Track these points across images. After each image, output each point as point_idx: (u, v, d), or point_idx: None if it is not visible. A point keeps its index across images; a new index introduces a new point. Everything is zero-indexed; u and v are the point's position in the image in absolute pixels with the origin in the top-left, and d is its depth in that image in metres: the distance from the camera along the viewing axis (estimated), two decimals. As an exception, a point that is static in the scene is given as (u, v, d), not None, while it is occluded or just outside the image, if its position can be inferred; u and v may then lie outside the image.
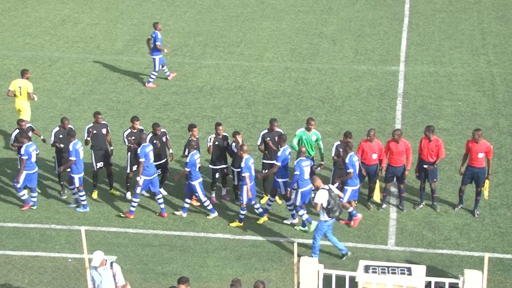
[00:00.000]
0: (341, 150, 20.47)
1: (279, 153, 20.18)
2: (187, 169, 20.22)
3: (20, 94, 23.98)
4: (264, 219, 20.50)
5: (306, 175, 19.78)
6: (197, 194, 20.43)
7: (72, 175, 20.78)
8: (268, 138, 21.00)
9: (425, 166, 20.83)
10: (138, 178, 20.40)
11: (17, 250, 19.51)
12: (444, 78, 28.83)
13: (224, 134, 21.18)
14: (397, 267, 17.14)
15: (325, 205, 18.30)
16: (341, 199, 19.38)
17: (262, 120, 25.91)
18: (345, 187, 20.06)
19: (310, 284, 16.22)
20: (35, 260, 19.04)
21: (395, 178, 21.00)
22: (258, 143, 21.21)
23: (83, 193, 21.03)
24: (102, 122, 21.71)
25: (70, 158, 20.60)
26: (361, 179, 21.06)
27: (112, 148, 21.87)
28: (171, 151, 21.77)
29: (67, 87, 28.34)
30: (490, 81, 28.55)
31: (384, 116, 26.15)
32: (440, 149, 20.67)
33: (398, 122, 25.71)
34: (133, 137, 21.16)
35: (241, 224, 20.39)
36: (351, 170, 19.88)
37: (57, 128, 21.53)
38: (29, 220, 20.77)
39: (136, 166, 21.19)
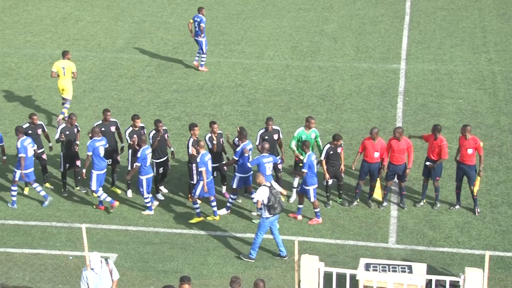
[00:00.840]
0: (331, 152, 20.66)
1: (237, 148, 20.39)
2: (138, 164, 20.34)
3: (64, 74, 25.01)
4: (213, 217, 20.58)
5: (268, 172, 19.90)
6: (141, 189, 20.56)
7: (15, 170, 20.89)
8: (266, 137, 21.03)
9: (427, 163, 20.87)
10: (83, 170, 20.87)
11: (18, 247, 19.52)
12: (445, 76, 28.82)
13: (219, 132, 21.22)
14: (398, 265, 17.14)
15: (265, 202, 18.42)
16: (309, 199, 19.95)
17: (262, 118, 25.88)
18: (307, 187, 20.18)
19: (311, 282, 16.22)
20: (36, 257, 19.06)
21: (396, 176, 21.00)
22: (257, 143, 21.21)
23: (16, 188, 21.08)
24: (111, 119, 21.76)
25: (20, 155, 20.62)
26: (363, 176, 21.09)
27: (123, 144, 21.91)
28: (172, 149, 21.79)
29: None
30: (491, 79, 28.54)
31: (385, 114, 26.14)
32: (443, 149, 20.67)
33: (399, 120, 25.71)
34: (134, 135, 21.19)
35: (201, 218, 20.46)
36: (305, 170, 20.03)
37: (64, 125, 21.59)
38: (30, 218, 20.78)
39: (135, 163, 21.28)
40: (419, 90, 27.73)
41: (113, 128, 21.64)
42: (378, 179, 21.00)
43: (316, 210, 20.43)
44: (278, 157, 21.09)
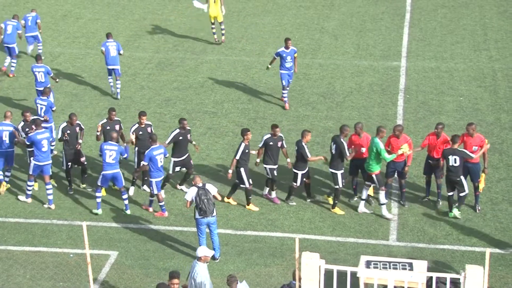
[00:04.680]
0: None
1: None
2: (145, 163, 20.43)
3: (214, 2, 30.88)
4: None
5: (108, 159, 20.29)
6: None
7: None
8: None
9: (430, 161, 20.85)
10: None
11: (19, 245, 19.54)
12: (446, 74, 28.82)
13: (280, 135, 21.09)
14: (399, 263, 17.13)
15: (194, 203, 18.55)
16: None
17: (263, 115, 25.92)
18: (150, 179, 20.35)
19: (312, 279, 16.22)
20: (37, 255, 19.07)
21: (396, 173, 21.00)
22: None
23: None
24: (115, 118, 21.77)
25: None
26: (354, 172, 21.08)
27: (126, 144, 21.93)
28: (194, 142, 21.81)
29: (68, 82, 28.34)
30: (492, 76, 28.53)
31: (385, 111, 26.15)
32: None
33: (400, 117, 25.72)
34: (140, 132, 21.13)
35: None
36: (145, 163, 20.26)
37: (65, 124, 21.64)
38: (31, 216, 20.80)
39: (142, 162, 21.20)
40: (419, 88, 27.73)
41: (117, 127, 21.67)
42: None
43: (161, 204, 20.57)
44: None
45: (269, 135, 21.02)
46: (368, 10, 34.95)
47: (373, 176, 20.35)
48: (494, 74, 28.67)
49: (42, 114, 22.92)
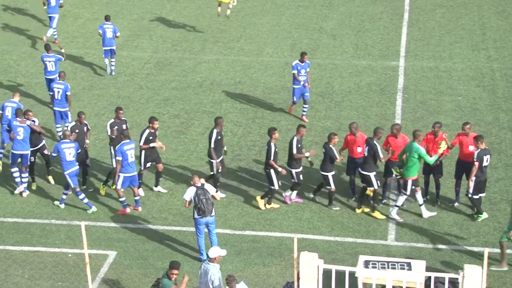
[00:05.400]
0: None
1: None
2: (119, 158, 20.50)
3: None
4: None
5: (69, 157, 20.39)
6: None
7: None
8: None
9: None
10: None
11: (17, 245, 19.54)
12: (444, 73, 28.83)
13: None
14: (397, 262, 17.14)
15: (193, 202, 18.55)
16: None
17: (262, 115, 25.92)
18: (119, 173, 20.30)
19: (310, 279, 16.22)
20: (35, 255, 19.07)
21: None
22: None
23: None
24: (123, 118, 21.73)
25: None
26: (352, 171, 21.07)
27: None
28: (225, 148, 21.64)
29: (67, 82, 28.29)
30: (490, 76, 28.55)
31: (384, 111, 26.16)
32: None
33: (398, 117, 25.72)
34: (151, 137, 21.02)
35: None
36: (119, 158, 20.23)
37: (73, 123, 21.63)
38: (30, 215, 20.80)
39: (149, 163, 21.14)
40: (418, 87, 27.74)
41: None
42: None
43: (121, 200, 20.59)
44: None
45: (297, 138, 20.72)
46: (367, 10, 34.95)
47: (409, 181, 20.11)
48: (493, 74, 28.68)
49: (59, 98, 23.82)
